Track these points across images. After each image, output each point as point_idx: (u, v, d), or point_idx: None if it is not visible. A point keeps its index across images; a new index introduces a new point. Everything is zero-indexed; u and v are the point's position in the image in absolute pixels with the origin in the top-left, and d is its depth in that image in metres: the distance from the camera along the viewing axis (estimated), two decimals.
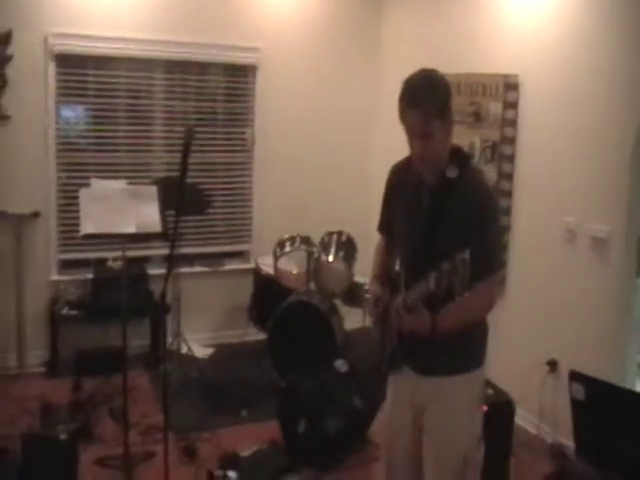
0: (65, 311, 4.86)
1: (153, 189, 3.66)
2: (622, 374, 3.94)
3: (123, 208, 3.55)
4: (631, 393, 2.19)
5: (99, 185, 3.64)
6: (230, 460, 3.80)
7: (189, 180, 5.09)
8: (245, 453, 3.88)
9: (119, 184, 3.70)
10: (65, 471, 3.51)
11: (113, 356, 4.80)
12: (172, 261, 3.25)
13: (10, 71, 4.59)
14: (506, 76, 4.35)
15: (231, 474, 3.65)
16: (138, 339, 5.06)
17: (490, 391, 4.02)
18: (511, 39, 4.39)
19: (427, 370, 2.49)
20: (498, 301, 4.54)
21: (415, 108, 2.30)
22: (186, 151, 2.87)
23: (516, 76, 4.32)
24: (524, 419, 4.30)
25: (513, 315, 4.49)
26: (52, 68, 4.76)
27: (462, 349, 2.47)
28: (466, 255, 2.08)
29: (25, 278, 4.85)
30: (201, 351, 5.22)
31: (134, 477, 3.64)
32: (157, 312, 5.03)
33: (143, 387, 4.74)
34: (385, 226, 2.72)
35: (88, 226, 3.50)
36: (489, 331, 2.58)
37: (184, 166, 2.92)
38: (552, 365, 4.15)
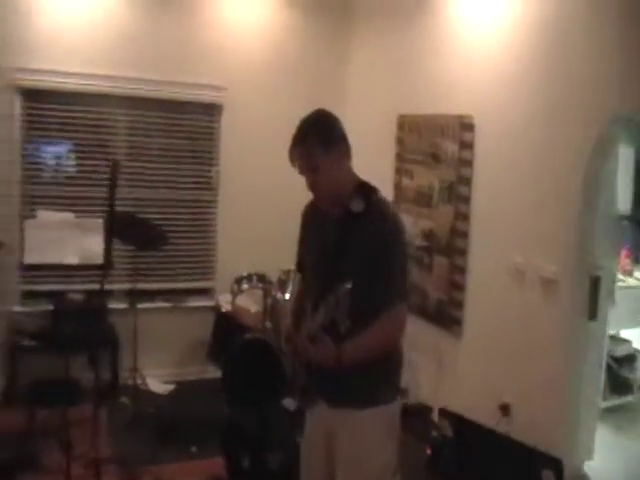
0: (25, 342, 4.85)
1: (99, 221, 3.71)
2: (577, 418, 3.89)
3: (67, 239, 3.61)
4: (491, 432, 2.15)
5: (45, 216, 3.69)
6: None
7: (151, 215, 5.31)
8: None
9: (65, 215, 3.75)
10: None
11: (69, 387, 4.82)
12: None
13: None
14: (461, 117, 4.40)
15: None
16: (98, 372, 5.04)
17: (435, 433, 3.98)
18: (467, 80, 4.45)
19: (337, 402, 2.50)
20: (453, 341, 4.57)
21: (297, 146, 2.45)
22: (112, 185, 2.91)
23: (471, 117, 4.37)
24: None
25: (468, 356, 4.46)
26: (18, 102, 4.86)
27: (372, 382, 2.47)
28: (348, 286, 2.16)
29: None
30: (161, 387, 5.19)
31: None
32: (116, 346, 5.08)
33: (97, 420, 4.68)
34: (300, 263, 2.77)
35: (31, 256, 3.55)
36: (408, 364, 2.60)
37: (111, 200, 2.95)
38: (504, 409, 4.07)
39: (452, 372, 4.59)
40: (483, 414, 4.19)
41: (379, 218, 2.43)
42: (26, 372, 4.86)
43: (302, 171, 2.47)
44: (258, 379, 4.53)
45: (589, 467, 4.16)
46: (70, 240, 3.58)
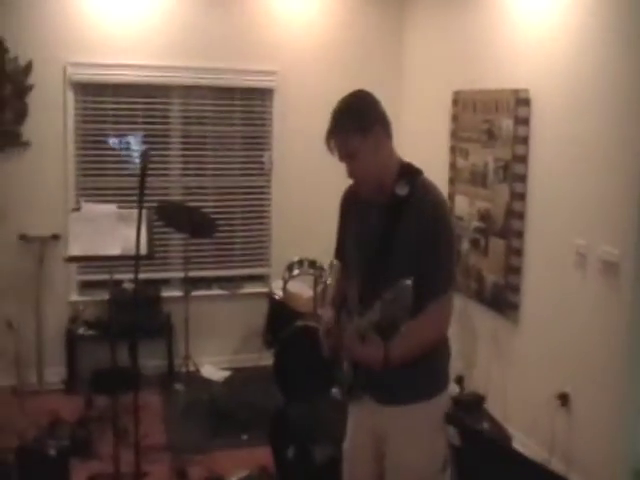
0: (82, 331, 5.02)
1: (142, 212, 3.71)
2: (637, 408, 3.63)
3: (110, 231, 3.65)
4: (502, 446, 1.98)
5: (89, 208, 3.74)
6: None
7: (206, 203, 5.35)
8: (232, 478, 3.84)
9: (108, 207, 3.78)
10: None
11: (127, 375, 4.92)
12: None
13: (30, 100, 4.83)
14: (517, 91, 4.15)
15: None
16: (154, 360, 5.15)
17: (486, 425, 3.82)
18: (522, 52, 4.19)
19: (387, 399, 2.39)
20: (510, 327, 4.38)
21: (332, 134, 2.32)
22: (143, 174, 2.89)
23: (527, 91, 4.11)
24: (534, 453, 4.03)
25: (525, 343, 4.25)
26: (70, 96, 4.96)
27: (422, 375, 2.37)
28: (408, 283, 1.96)
29: (45, 298, 5.04)
30: (216, 374, 5.22)
31: None
32: (170, 333, 5.14)
33: (153, 407, 4.80)
34: (340, 251, 2.66)
35: (74, 248, 3.60)
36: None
37: (142, 190, 2.93)
38: (563, 398, 3.85)
39: (508, 359, 4.39)
40: (540, 403, 4.05)
41: (425, 202, 2.31)
42: (86, 361, 5.01)
43: (340, 159, 2.36)
44: (309, 367, 4.48)
45: None
46: (112, 231, 3.62)
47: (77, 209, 3.72)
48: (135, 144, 5.28)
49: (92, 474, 3.87)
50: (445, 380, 2.48)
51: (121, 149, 5.25)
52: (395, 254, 2.31)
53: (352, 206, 2.54)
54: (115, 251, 3.58)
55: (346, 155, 2.33)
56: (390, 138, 2.38)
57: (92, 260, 3.77)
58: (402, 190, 2.32)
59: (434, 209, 2.32)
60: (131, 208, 4.22)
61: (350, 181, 2.46)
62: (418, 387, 2.36)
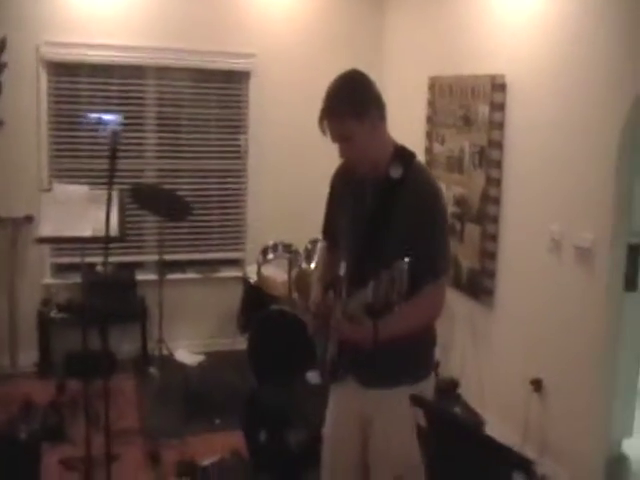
0: (54, 314, 4.95)
1: (114, 193, 3.65)
2: (614, 394, 3.67)
3: (82, 212, 3.57)
4: (465, 426, 1.98)
5: (61, 189, 3.68)
6: (187, 468, 3.77)
7: (181, 186, 5.28)
8: (205, 462, 3.82)
9: (80, 188, 3.72)
10: (24, 470, 3.54)
11: (99, 359, 4.88)
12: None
13: (4, 79, 4.68)
14: (493, 77, 4.14)
15: None
16: (128, 343, 5.12)
17: (459, 409, 3.84)
18: (498, 38, 4.19)
19: (372, 382, 2.38)
20: (485, 312, 4.39)
21: (328, 117, 2.27)
22: (113, 155, 2.84)
23: (503, 76, 4.10)
24: (508, 438, 4.06)
25: (500, 329, 4.28)
26: (44, 76, 4.87)
27: (408, 359, 2.35)
28: (405, 265, 1.92)
29: (18, 280, 4.98)
30: (190, 358, 5.19)
31: (93, 478, 3.64)
32: (144, 317, 5.10)
33: (127, 391, 4.78)
34: (329, 230, 2.63)
35: (45, 229, 3.54)
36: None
37: (112, 171, 2.88)
38: (536, 384, 3.87)
39: (484, 344, 4.41)
40: (514, 389, 4.07)
41: (419, 186, 2.29)
42: (59, 344, 4.95)
43: (334, 140, 2.31)
44: (283, 352, 4.46)
45: (629, 445, 3.96)
46: (84, 213, 3.54)
47: (48, 190, 3.66)
48: (111, 124, 5.18)
49: (63, 458, 3.83)
50: (430, 365, 2.48)
51: (96, 129, 5.14)
52: (387, 236, 2.28)
53: (345, 185, 2.50)
54: (86, 232, 3.51)
55: (341, 138, 2.29)
56: (384, 120, 2.35)
57: (63, 242, 3.72)
58: (396, 172, 2.30)
59: (429, 193, 2.31)
60: (104, 190, 4.19)
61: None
62: (403, 371, 2.35)
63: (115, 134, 2.96)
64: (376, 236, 2.31)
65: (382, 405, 2.36)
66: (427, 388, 2.43)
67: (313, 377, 4.02)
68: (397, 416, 2.32)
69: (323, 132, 2.29)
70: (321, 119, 2.28)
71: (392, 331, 2.16)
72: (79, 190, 3.72)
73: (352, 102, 2.25)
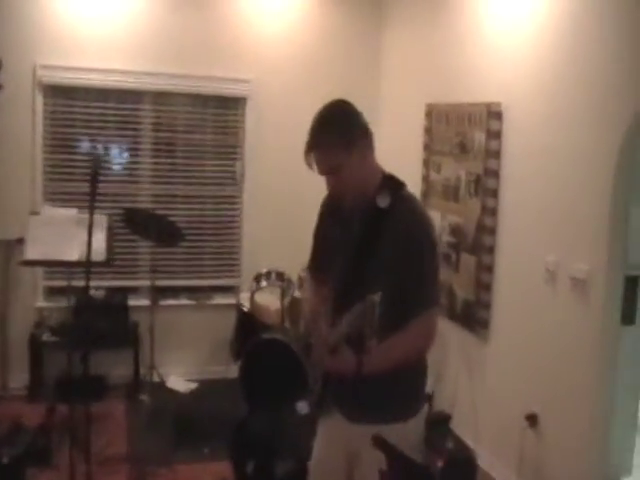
0: (47, 337, 4.90)
1: (102, 218, 3.64)
2: (611, 431, 3.57)
3: (69, 236, 3.56)
4: (425, 471, 1.91)
5: (49, 212, 3.66)
6: None
7: (175, 212, 5.24)
8: None
9: (68, 211, 3.69)
10: None
11: (91, 383, 4.81)
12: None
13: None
14: (489, 104, 4.11)
15: None
16: (120, 369, 5.06)
17: (450, 445, 3.74)
18: (494, 65, 4.16)
19: (357, 417, 2.29)
20: (480, 344, 4.30)
21: (315, 149, 2.21)
22: (94, 180, 2.81)
23: (499, 104, 4.07)
24: (501, 474, 3.97)
25: (494, 361, 4.19)
26: (40, 99, 4.87)
27: (395, 395, 2.27)
28: (376, 297, 1.90)
29: (11, 302, 4.95)
30: (183, 385, 5.13)
31: None
32: (137, 342, 5.04)
33: (117, 416, 4.72)
34: (315, 261, 2.56)
35: (31, 252, 3.52)
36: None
37: (93, 195, 2.85)
38: (531, 419, 3.77)
39: (478, 377, 4.32)
40: (508, 423, 3.97)
41: (407, 215, 2.24)
42: (50, 367, 4.89)
43: (321, 173, 2.25)
44: (274, 380, 4.39)
45: None
46: (71, 236, 3.53)
47: (36, 213, 3.63)
48: (109, 150, 5.21)
49: None
50: (421, 401, 2.40)
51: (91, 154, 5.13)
52: (373, 266, 2.22)
53: (333, 214, 2.44)
54: (73, 257, 3.49)
55: (329, 170, 2.23)
56: (373, 150, 2.29)
57: (49, 265, 3.69)
58: (383, 202, 2.25)
59: (416, 223, 2.25)
60: (95, 214, 4.17)
61: (322, 194, 2.37)
62: (391, 408, 2.27)
63: (96, 159, 2.94)
64: (362, 266, 2.24)
65: (367, 442, 2.17)
66: (416, 426, 2.34)
67: (303, 407, 3.94)
68: (382, 456, 2.16)
69: (309, 166, 2.23)
70: (307, 152, 2.22)
71: (378, 362, 2.09)
72: (67, 213, 3.72)
73: (340, 132, 2.20)
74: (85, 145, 5.16)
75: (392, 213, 2.23)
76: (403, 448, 2.21)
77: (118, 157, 5.30)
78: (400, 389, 2.28)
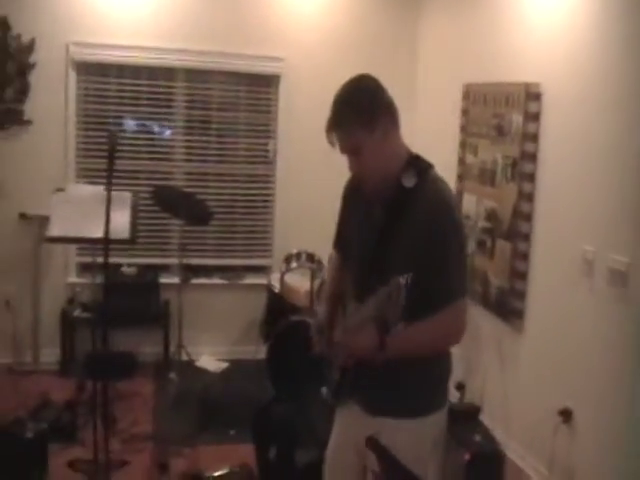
0: (78, 313, 4.95)
1: (127, 195, 3.61)
2: None
3: (93, 213, 3.51)
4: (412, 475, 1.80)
5: (74, 189, 3.64)
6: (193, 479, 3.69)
7: (208, 190, 5.22)
8: (212, 474, 3.73)
9: (94, 189, 3.67)
10: (29, 469, 3.52)
11: (121, 361, 4.85)
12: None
13: (33, 78, 4.76)
14: (527, 85, 3.91)
15: None
16: (151, 347, 5.08)
17: (478, 437, 3.62)
18: (533, 45, 3.96)
19: (373, 408, 2.20)
20: (514, 335, 4.14)
21: (335, 129, 2.11)
22: (111, 156, 2.77)
23: (537, 84, 3.87)
24: (534, 469, 3.85)
25: (528, 352, 4.04)
26: (73, 76, 4.87)
27: (415, 388, 2.17)
28: (403, 279, 1.83)
29: (43, 278, 5.01)
30: (214, 365, 5.12)
31: None
32: (167, 321, 5.05)
33: (145, 394, 4.74)
34: (340, 243, 2.49)
35: (55, 229, 3.51)
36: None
37: (110, 171, 2.81)
38: (565, 414, 3.61)
39: (511, 369, 4.18)
40: (541, 418, 3.82)
41: (432, 196, 2.10)
42: (81, 343, 4.94)
43: (343, 153, 2.16)
44: (300, 364, 4.33)
45: None
46: (96, 213, 3.48)
47: (61, 189, 3.62)
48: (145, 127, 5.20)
49: (71, 459, 3.77)
50: (444, 397, 2.28)
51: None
52: (396, 251, 2.11)
53: (355, 198, 2.34)
54: (97, 234, 3.45)
55: (350, 149, 2.12)
56: (398, 127, 2.17)
57: (72, 242, 3.68)
58: (409, 182, 2.12)
59: (441, 207, 2.10)
60: (124, 191, 4.15)
61: None
62: (407, 400, 2.17)
63: (112, 136, 2.89)
64: (384, 251, 2.14)
65: (386, 437, 2.08)
66: (437, 422, 2.23)
67: (327, 393, 3.89)
68: (407, 451, 2.07)
69: (331, 144, 2.13)
70: (328, 130, 2.12)
71: (401, 346, 2.02)
72: (92, 190, 3.69)
73: (361, 111, 2.08)
74: (119, 122, 5.14)
75: (418, 194, 2.10)
76: (425, 443, 2.18)
77: (154, 134, 5.28)
78: (420, 383, 2.18)
